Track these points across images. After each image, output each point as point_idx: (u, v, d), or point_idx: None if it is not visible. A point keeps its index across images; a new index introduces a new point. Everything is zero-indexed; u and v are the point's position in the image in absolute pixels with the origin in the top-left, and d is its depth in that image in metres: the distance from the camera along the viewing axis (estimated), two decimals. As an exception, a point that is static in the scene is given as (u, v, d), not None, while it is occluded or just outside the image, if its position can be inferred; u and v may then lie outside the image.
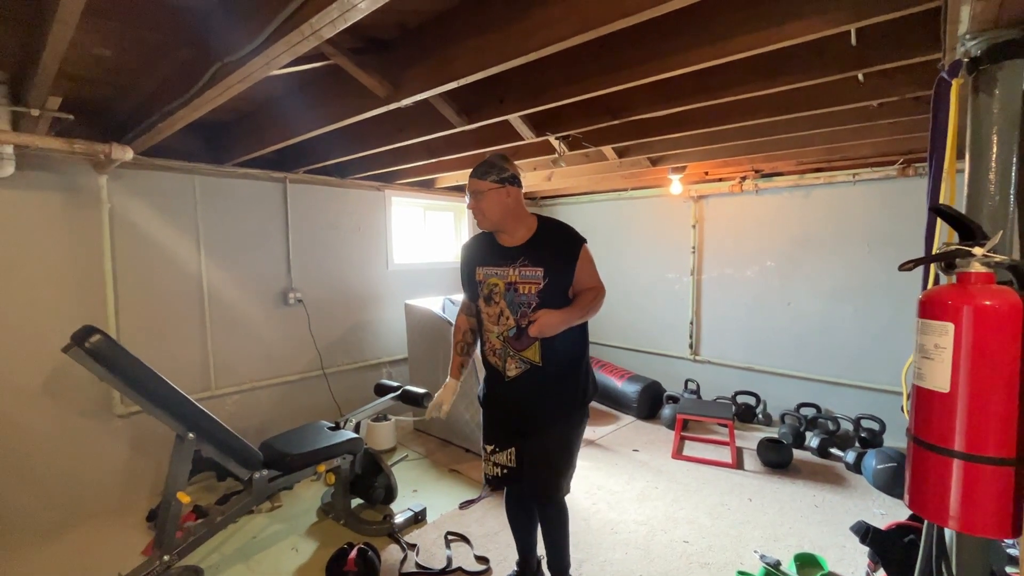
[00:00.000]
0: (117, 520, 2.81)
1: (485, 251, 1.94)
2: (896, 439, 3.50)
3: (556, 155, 3.00)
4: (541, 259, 1.81)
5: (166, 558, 2.11)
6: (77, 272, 2.82)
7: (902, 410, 1.21)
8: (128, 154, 2.55)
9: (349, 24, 1.33)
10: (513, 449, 1.93)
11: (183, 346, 3.23)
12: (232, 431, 2.35)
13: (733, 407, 3.99)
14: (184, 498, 2.18)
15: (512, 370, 1.85)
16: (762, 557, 2.40)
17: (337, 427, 2.79)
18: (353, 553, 2.27)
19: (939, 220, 1.19)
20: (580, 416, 1.94)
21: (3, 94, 2.20)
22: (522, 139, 2.70)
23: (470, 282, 1.95)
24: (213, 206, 3.33)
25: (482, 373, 2.04)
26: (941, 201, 1.30)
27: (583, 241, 1.89)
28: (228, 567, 2.40)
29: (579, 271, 1.83)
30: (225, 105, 2.07)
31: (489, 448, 2.00)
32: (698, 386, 4.55)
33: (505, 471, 1.96)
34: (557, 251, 1.84)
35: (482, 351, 1.96)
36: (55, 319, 2.71)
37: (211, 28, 1.67)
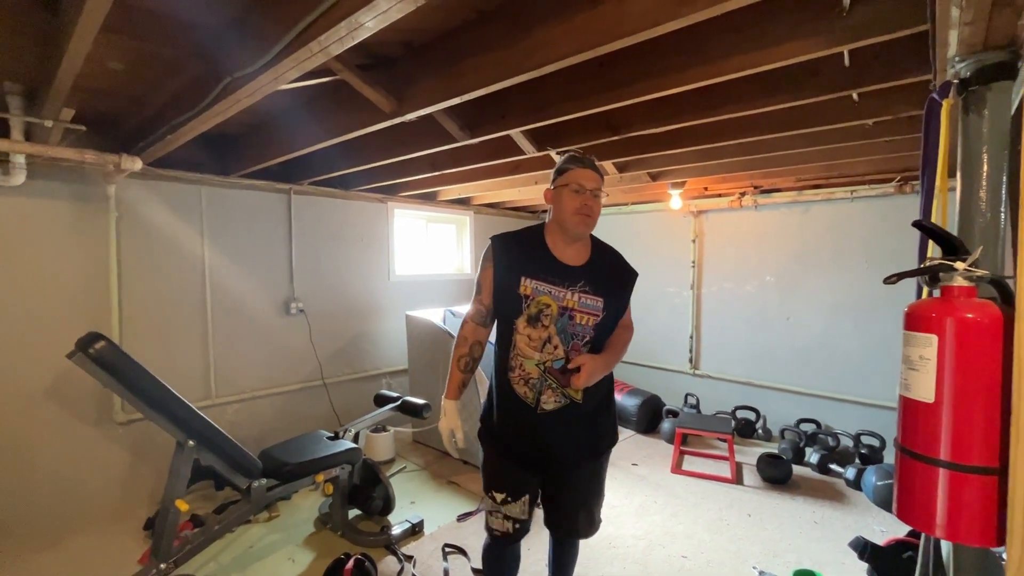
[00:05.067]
0: (115, 527, 2.81)
1: (536, 260, 1.60)
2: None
3: (557, 169, 3.04)
4: (602, 288, 1.60)
5: (163, 566, 2.10)
6: (84, 279, 2.86)
7: (898, 424, 1.22)
8: (137, 164, 2.60)
9: (356, 42, 1.37)
10: (527, 497, 1.65)
11: (186, 354, 3.25)
12: (232, 439, 2.36)
13: (733, 422, 3.98)
14: (183, 506, 2.18)
15: (549, 404, 1.58)
16: (761, 573, 2.39)
17: (336, 437, 2.79)
18: (350, 564, 2.26)
19: (931, 236, 1.21)
20: (610, 451, 1.79)
21: (18, 105, 2.25)
22: (524, 154, 2.75)
23: (509, 292, 1.58)
24: (219, 216, 3.38)
25: (479, 398, 1.84)
26: (933, 219, 1.33)
27: (637, 274, 1.73)
28: (224, 577, 2.39)
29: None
30: (232, 118, 2.12)
31: (500, 497, 1.64)
32: (698, 400, 4.54)
33: (518, 526, 1.65)
34: (617, 282, 1.66)
35: (505, 377, 1.62)
36: (61, 325, 2.74)
37: (222, 44, 1.72)
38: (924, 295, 1.28)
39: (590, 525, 1.77)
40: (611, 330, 1.65)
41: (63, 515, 2.79)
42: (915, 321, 0.90)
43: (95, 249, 2.88)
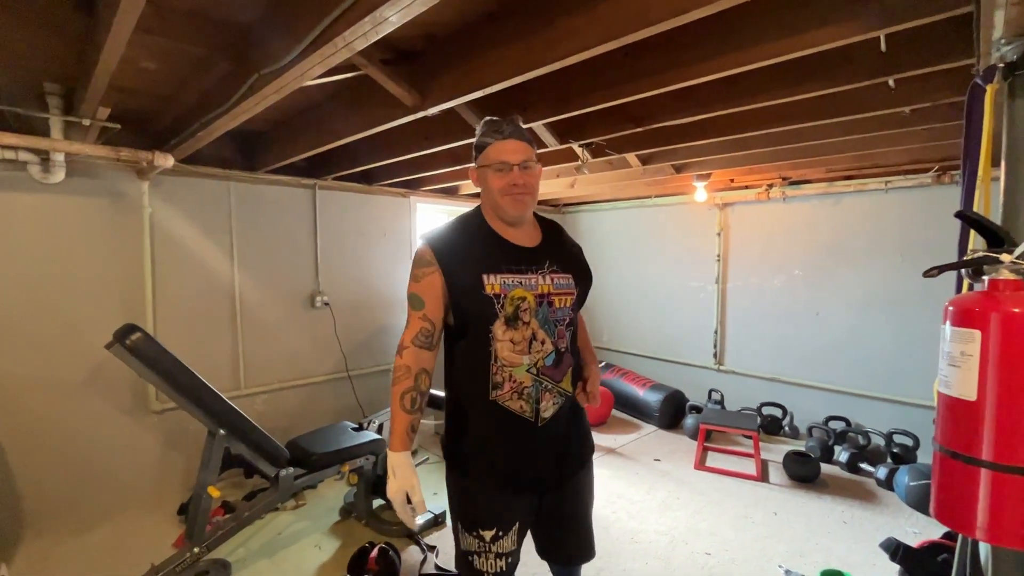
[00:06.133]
0: (150, 512, 2.92)
1: (491, 251, 1.36)
2: (930, 455, 3.37)
3: (579, 162, 3.02)
4: (566, 262, 1.44)
5: (196, 550, 2.18)
6: (119, 273, 2.96)
7: (934, 423, 1.18)
8: (169, 161, 2.68)
9: (380, 36, 1.38)
10: (516, 525, 1.40)
11: (215, 346, 3.35)
12: (262, 429, 2.42)
13: (758, 418, 3.91)
14: (215, 492, 2.25)
15: (549, 409, 1.37)
16: (787, 572, 2.35)
17: (360, 428, 2.84)
18: (374, 552, 2.30)
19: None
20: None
21: (56, 105, 2.34)
22: (546, 146, 2.73)
23: (472, 297, 1.31)
24: (246, 211, 3.45)
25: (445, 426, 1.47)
26: (975, 209, 1.27)
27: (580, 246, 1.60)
28: (254, 562, 2.46)
29: None
30: (259, 115, 2.16)
31: (490, 534, 1.37)
32: (722, 396, 4.47)
33: (511, 560, 1.40)
34: (574, 255, 1.52)
35: (486, 400, 1.34)
36: (98, 317, 2.84)
37: (250, 42, 1.76)
38: (964, 289, 1.23)
39: (592, 544, 1.58)
40: (580, 309, 1.49)
41: (102, 499, 2.91)
42: (957, 316, 0.86)
43: (129, 243, 2.98)
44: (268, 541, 2.64)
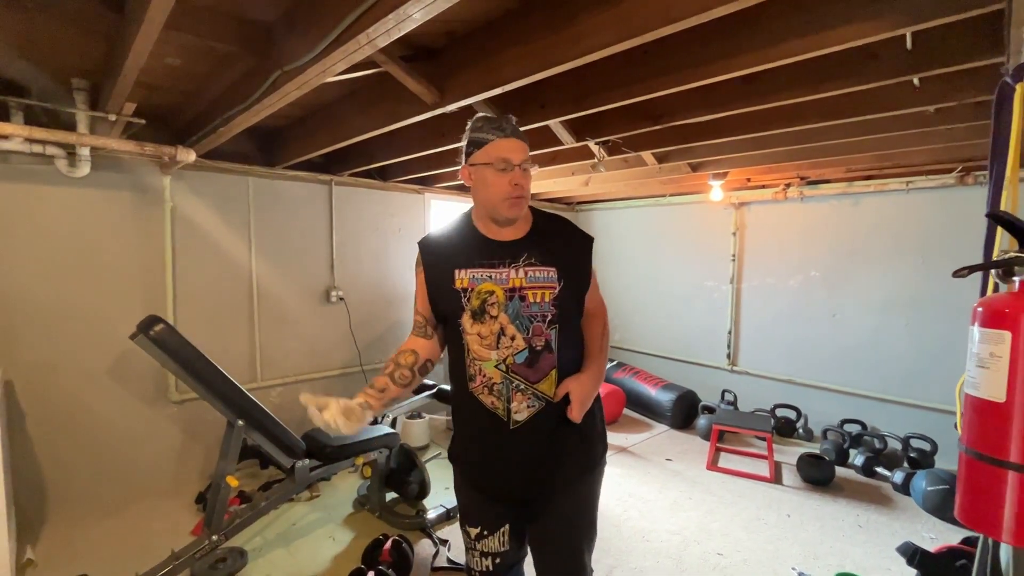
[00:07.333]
0: (169, 500, 2.98)
1: (467, 247, 1.37)
2: (948, 461, 3.32)
3: (595, 160, 3.01)
4: (552, 255, 1.34)
5: (214, 538, 2.23)
6: (141, 266, 3.02)
7: (955, 427, 1.17)
8: (191, 156, 2.72)
9: (403, 33, 1.39)
10: (507, 527, 1.40)
11: (233, 338, 3.40)
12: (279, 421, 2.46)
13: (772, 420, 3.88)
14: (233, 482, 2.29)
15: (522, 411, 1.31)
16: (801, 575, 2.33)
17: (375, 422, 2.87)
18: (388, 544, 2.33)
19: (999, 228, 1.15)
20: (603, 466, 1.46)
21: (83, 100, 2.39)
22: (562, 144, 2.73)
23: (444, 291, 1.35)
24: (264, 206, 3.50)
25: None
26: (1002, 210, 1.25)
27: (592, 238, 1.46)
28: (270, 551, 2.51)
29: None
30: (279, 111, 2.19)
31: (475, 532, 1.41)
32: (735, 397, 4.44)
33: (498, 560, 1.40)
34: (568, 247, 1.39)
35: (466, 389, 1.36)
36: (121, 309, 2.91)
37: (273, 39, 1.78)
38: (989, 291, 1.22)
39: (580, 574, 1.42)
40: (577, 307, 1.38)
41: (123, 486, 2.98)
42: (987, 317, 0.85)
43: (152, 237, 3.04)
44: (284, 531, 2.69)
